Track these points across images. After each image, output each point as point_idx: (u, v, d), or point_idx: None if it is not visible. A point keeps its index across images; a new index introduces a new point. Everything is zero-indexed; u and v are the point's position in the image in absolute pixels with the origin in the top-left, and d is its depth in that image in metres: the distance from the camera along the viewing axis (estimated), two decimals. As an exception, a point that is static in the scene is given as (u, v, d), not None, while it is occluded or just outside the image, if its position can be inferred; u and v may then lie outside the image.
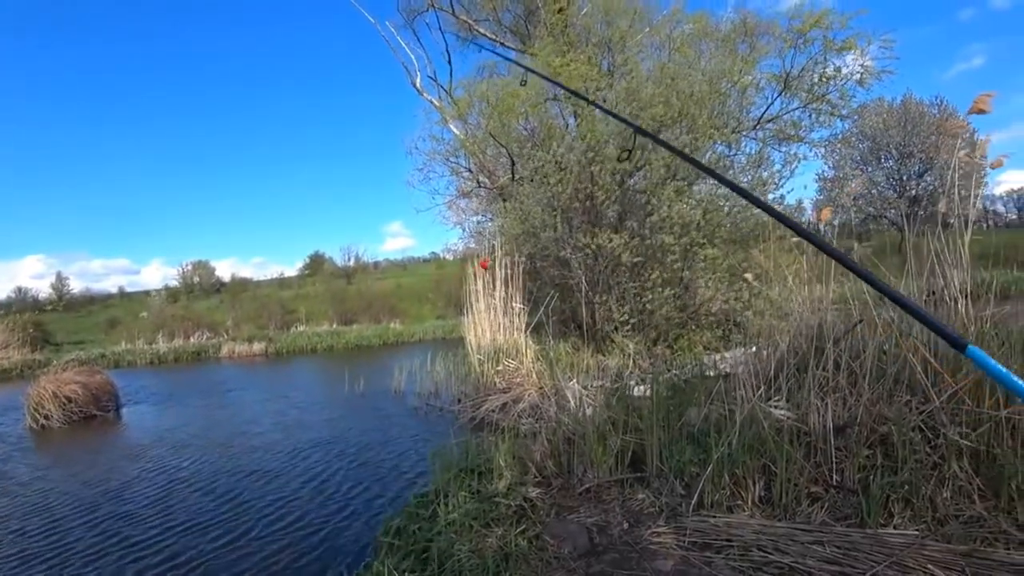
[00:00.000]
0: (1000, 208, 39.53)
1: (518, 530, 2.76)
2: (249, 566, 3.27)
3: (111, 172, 63.84)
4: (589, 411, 4.06)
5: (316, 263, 39.46)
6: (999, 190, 38.45)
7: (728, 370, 4.72)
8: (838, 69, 9.96)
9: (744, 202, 7.68)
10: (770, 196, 7.89)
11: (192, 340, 21.17)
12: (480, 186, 13.22)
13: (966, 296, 3.30)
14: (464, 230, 14.03)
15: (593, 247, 6.91)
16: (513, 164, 9.41)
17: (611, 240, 6.66)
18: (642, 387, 4.83)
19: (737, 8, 12.39)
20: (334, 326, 22.90)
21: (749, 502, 2.74)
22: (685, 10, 12.91)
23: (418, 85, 15.98)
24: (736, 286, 7.24)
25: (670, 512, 2.83)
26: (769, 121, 10.70)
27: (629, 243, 6.66)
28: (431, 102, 15.56)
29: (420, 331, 19.69)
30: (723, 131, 7.87)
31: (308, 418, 7.38)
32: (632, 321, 6.94)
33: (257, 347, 19.09)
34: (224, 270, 39.35)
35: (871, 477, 2.66)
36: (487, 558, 2.50)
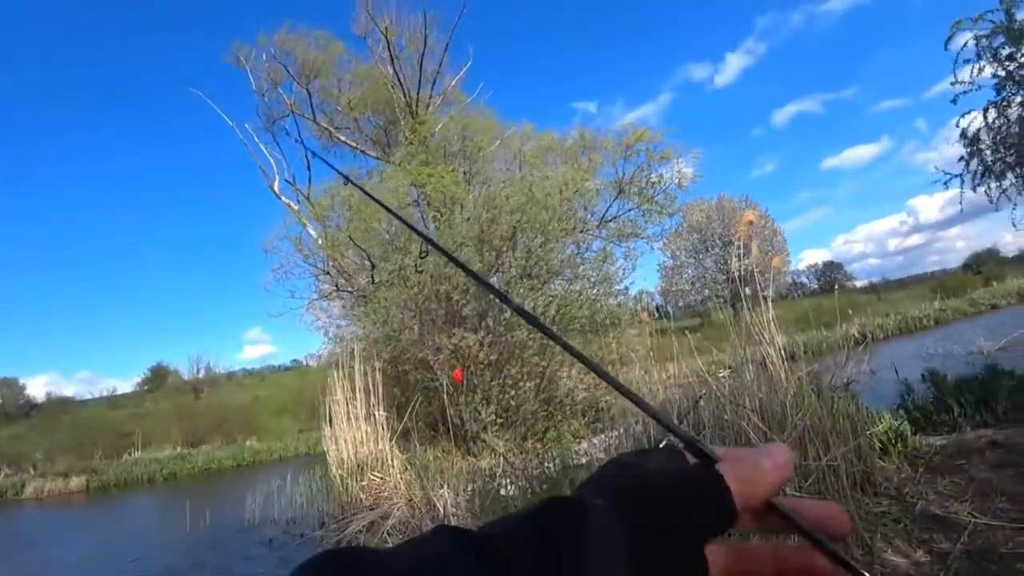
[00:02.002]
0: (805, 280, 46.86)
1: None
2: None
3: None
4: (454, 521, 3.91)
5: (159, 376, 34.92)
6: (802, 265, 45.97)
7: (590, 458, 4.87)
8: (660, 175, 11.84)
9: (595, 294, 8.35)
10: (616, 287, 8.71)
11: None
12: (339, 289, 12.94)
13: (783, 359, 3.81)
14: (326, 335, 13.43)
15: (450, 347, 7.00)
16: (373, 267, 9.42)
17: (464, 339, 6.81)
18: (512, 487, 4.78)
19: (578, 126, 14.22)
20: (178, 449, 20.12)
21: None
22: (535, 129, 14.57)
23: (276, 188, 15.75)
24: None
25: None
26: (610, 221, 12.05)
27: (484, 339, 6.86)
28: (288, 205, 15.33)
29: (280, 448, 17.88)
30: (572, 233, 8.65)
31: (134, 571, 6.24)
32: (500, 420, 6.98)
33: (76, 482, 16.05)
34: (37, 388, 33.28)
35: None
36: None
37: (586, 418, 7.98)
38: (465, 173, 12.67)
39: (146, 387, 34.64)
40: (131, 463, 17.71)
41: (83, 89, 61.18)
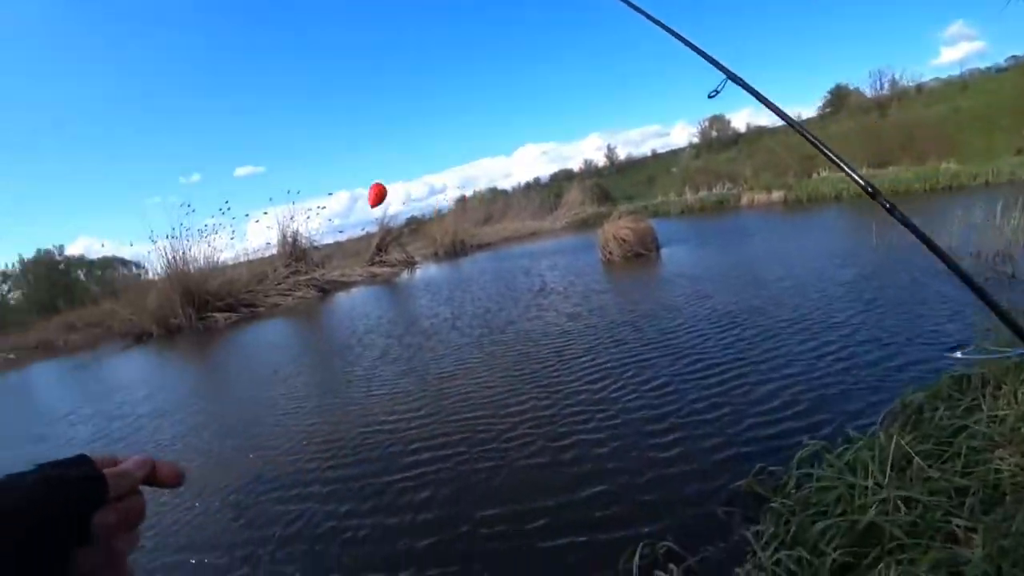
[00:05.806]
0: None
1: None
2: (758, 395, 3.64)
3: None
4: None
5: (839, 98, 34.11)
6: None
7: None
8: None
9: None
10: None
11: (714, 191, 22.90)
12: None
13: None
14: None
15: None
16: None
17: None
18: None
19: None
20: (865, 170, 19.99)
21: None
22: None
23: None
24: None
25: None
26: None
27: None
28: None
29: (986, 173, 14.42)
30: None
31: (824, 268, 7.09)
32: None
33: (776, 196, 18.95)
34: (740, 121, 39.05)
35: None
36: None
37: None
38: None
39: (827, 110, 34.87)
40: (819, 181, 18.98)
41: None
